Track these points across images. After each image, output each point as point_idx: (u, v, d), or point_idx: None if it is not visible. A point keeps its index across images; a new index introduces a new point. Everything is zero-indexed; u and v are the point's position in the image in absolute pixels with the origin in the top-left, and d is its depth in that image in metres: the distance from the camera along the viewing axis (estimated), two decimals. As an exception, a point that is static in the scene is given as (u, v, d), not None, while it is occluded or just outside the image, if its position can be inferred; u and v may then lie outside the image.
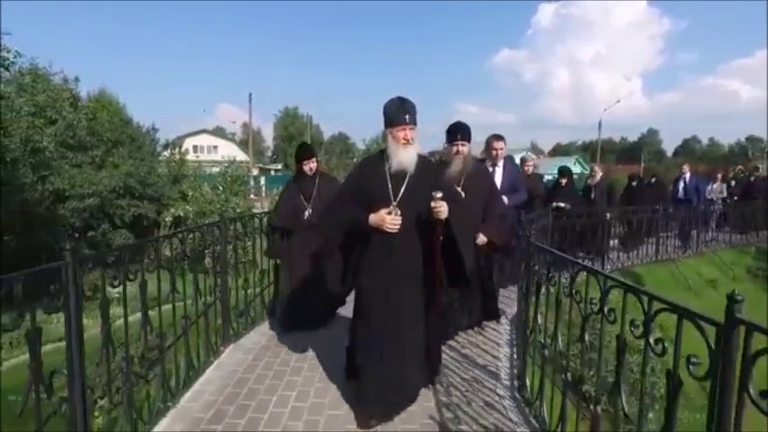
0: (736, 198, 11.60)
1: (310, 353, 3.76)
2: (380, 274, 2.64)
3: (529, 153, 8.82)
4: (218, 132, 53.86)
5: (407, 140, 2.59)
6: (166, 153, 19.53)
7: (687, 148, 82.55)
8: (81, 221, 12.08)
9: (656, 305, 1.66)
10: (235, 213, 15.13)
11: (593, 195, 8.63)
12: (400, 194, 2.62)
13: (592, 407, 2.18)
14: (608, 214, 7.81)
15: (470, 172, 3.77)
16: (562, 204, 7.05)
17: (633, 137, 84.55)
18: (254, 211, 14.89)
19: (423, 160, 2.75)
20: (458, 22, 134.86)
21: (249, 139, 39.94)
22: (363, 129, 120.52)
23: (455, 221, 2.60)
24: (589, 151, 65.50)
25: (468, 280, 2.86)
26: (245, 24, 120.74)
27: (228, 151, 39.88)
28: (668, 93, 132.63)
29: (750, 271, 10.10)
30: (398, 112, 2.60)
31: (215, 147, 47.08)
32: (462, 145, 3.74)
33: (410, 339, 2.68)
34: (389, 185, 2.63)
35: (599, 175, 8.97)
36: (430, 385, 3.12)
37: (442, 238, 2.59)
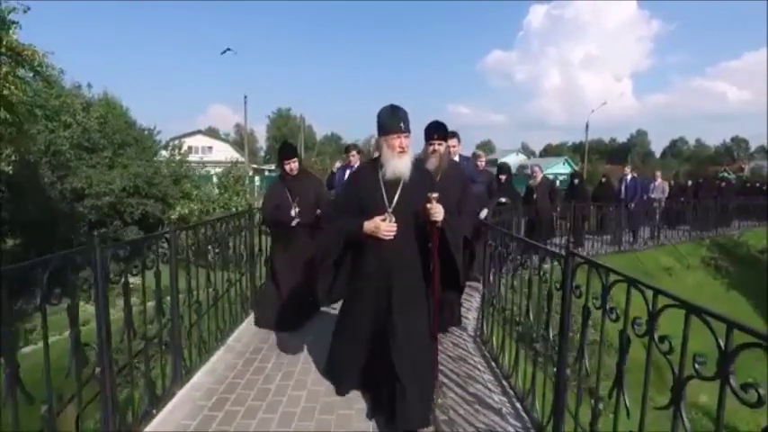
0: (684, 199, 12.80)
1: (321, 313, 4.76)
2: (374, 282, 2.66)
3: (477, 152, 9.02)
4: (212, 133, 54.66)
5: (403, 149, 2.59)
6: (165, 153, 20.26)
7: (675, 149, 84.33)
8: (97, 218, 13.03)
9: (542, 253, 2.73)
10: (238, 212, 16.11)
11: (534, 195, 9.28)
12: (395, 202, 2.63)
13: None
14: (557, 209, 8.78)
15: (446, 170, 3.83)
16: (503, 200, 7.60)
17: (623, 138, 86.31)
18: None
19: (417, 167, 2.75)
20: (449, 23, 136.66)
21: (245, 141, 40.74)
22: (355, 129, 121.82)
23: (449, 227, 2.60)
24: (579, 152, 67.02)
25: (461, 283, 2.86)
26: (238, 25, 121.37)
27: (223, 152, 40.68)
28: (658, 94, 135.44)
29: (704, 261, 11.32)
30: (392, 121, 2.60)
31: (209, 147, 47.75)
32: (439, 144, 3.80)
33: (406, 354, 2.59)
34: (384, 193, 2.64)
35: (540, 176, 9.63)
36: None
37: (438, 242, 2.58)
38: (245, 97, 38.59)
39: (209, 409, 2.86)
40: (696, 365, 1.40)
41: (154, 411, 2.75)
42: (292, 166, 4.40)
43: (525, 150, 77.55)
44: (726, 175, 41.72)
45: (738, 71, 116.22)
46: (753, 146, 76.35)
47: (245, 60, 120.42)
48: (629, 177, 10.91)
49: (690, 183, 14.01)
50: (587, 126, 43.17)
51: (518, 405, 2.99)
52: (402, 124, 2.60)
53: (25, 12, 6.60)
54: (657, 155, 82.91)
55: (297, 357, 3.72)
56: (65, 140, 12.21)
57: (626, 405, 1.82)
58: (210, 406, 2.90)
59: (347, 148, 6.24)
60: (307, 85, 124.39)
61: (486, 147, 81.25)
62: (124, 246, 2.50)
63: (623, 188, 10.82)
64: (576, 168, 49.99)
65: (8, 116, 6.62)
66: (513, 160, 53.99)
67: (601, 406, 2.03)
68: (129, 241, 2.55)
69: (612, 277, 1.94)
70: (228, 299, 4.17)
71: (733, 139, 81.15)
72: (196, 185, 17.53)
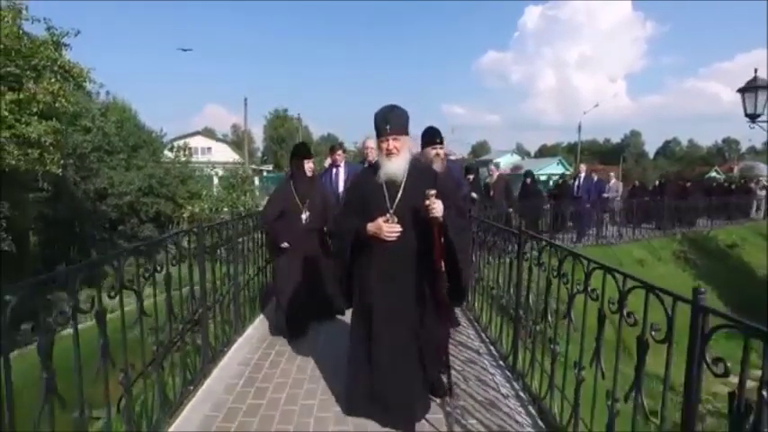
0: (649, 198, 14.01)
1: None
2: (380, 283, 2.67)
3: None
4: (209, 134, 55.45)
5: (389, 150, 2.61)
6: (169, 154, 21.08)
7: (667, 150, 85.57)
8: (116, 216, 14.03)
9: (507, 234, 3.78)
10: (245, 210, 17.14)
11: (491, 193, 9.88)
12: (396, 203, 2.63)
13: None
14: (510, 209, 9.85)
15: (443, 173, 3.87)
16: (474, 195, 8.17)
17: (617, 138, 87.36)
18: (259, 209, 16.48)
19: (418, 167, 2.77)
20: (444, 24, 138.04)
21: (244, 143, 41.67)
22: (351, 130, 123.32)
23: (451, 224, 2.58)
24: (574, 152, 68.01)
25: (464, 290, 2.94)
26: (233, 24, 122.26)
27: (221, 152, 41.53)
28: (652, 95, 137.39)
29: (674, 254, 12.44)
30: (381, 123, 2.62)
31: (208, 148, 48.46)
32: (441, 148, 4.12)
33: (410, 352, 2.66)
34: (386, 194, 2.65)
35: (496, 174, 10.20)
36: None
37: (442, 239, 2.55)
38: (246, 99, 39.41)
39: (264, 349, 3.92)
40: (590, 291, 2.46)
41: (225, 350, 3.79)
42: (311, 166, 4.37)
43: (520, 151, 78.38)
44: (716, 175, 43.13)
45: (731, 72, 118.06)
46: (743, 146, 77.82)
47: (242, 60, 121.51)
48: (582, 176, 12.02)
49: (657, 183, 15.22)
50: (580, 127, 44.41)
51: (491, 347, 4.05)
52: (388, 126, 2.60)
53: (76, 35, 7.64)
54: (651, 155, 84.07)
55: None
56: (88, 144, 13.20)
57: (550, 325, 2.89)
58: (265, 346, 3.97)
59: (332, 148, 6.35)
60: (303, 86, 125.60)
61: (482, 147, 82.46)
62: (215, 227, 3.56)
63: (576, 186, 11.91)
64: (569, 169, 51.33)
65: (58, 125, 7.62)
66: (508, 161, 54.99)
67: (538, 327, 3.09)
68: (211, 225, 3.57)
69: (542, 243, 3.00)
70: (266, 275, 5.21)
71: (724, 140, 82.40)
72: (204, 186, 18.53)
